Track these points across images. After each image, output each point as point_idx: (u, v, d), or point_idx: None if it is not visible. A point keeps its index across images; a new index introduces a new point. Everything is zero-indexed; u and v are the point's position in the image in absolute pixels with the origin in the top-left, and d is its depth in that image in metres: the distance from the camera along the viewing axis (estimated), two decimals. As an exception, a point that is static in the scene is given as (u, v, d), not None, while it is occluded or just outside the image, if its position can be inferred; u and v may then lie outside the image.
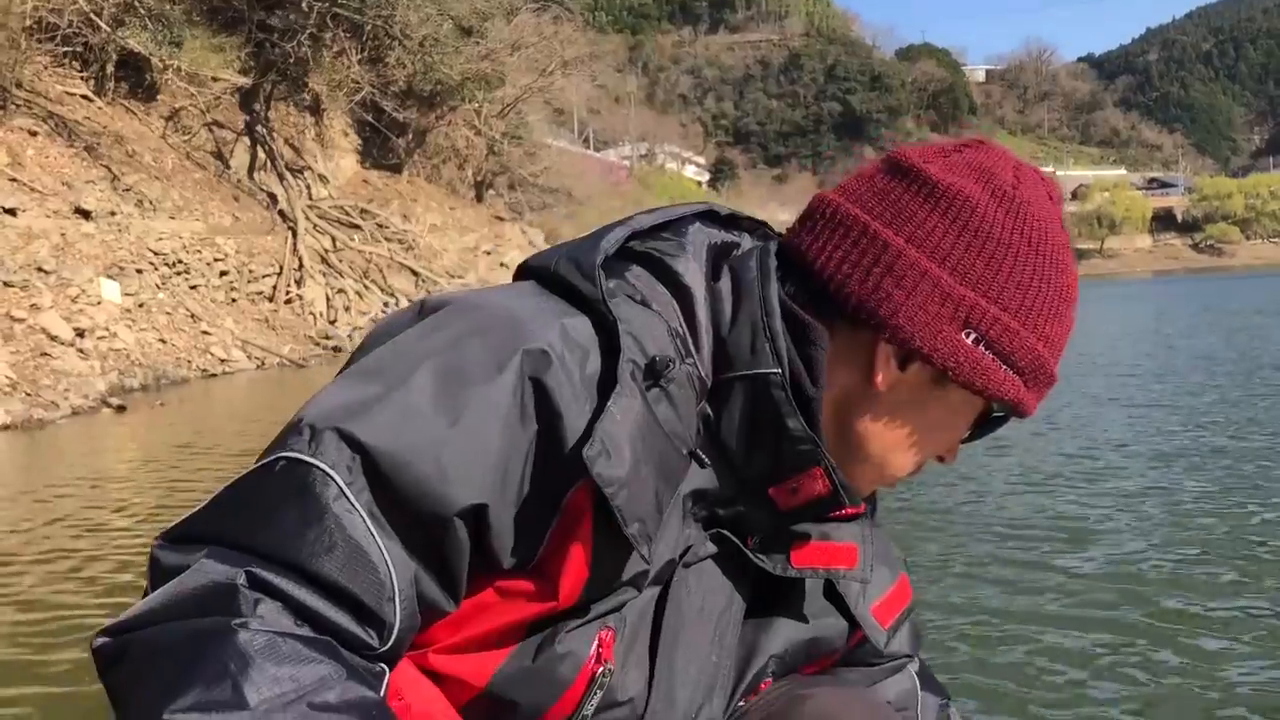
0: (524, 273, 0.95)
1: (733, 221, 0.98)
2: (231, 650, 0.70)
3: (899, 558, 1.12)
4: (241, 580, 0.74)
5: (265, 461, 0.82)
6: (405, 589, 0.80)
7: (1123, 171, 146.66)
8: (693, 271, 0.91)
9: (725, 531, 0.96)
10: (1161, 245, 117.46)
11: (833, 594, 1.04)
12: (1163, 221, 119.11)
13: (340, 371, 0.89)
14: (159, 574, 0.78)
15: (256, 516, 0.78)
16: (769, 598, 1.02)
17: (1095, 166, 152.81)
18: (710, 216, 0.97)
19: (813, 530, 0.99)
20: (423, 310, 0.90)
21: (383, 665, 0.80)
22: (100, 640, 0.76)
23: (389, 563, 0.79)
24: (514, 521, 0.83)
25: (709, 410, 0.90)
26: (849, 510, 0.99)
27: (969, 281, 0.88)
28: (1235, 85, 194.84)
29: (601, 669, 0.90)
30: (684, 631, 0.94)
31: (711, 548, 0.95)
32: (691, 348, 0.89)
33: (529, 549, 0.84)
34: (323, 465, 0.79)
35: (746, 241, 0.98)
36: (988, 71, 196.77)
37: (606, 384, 0.83)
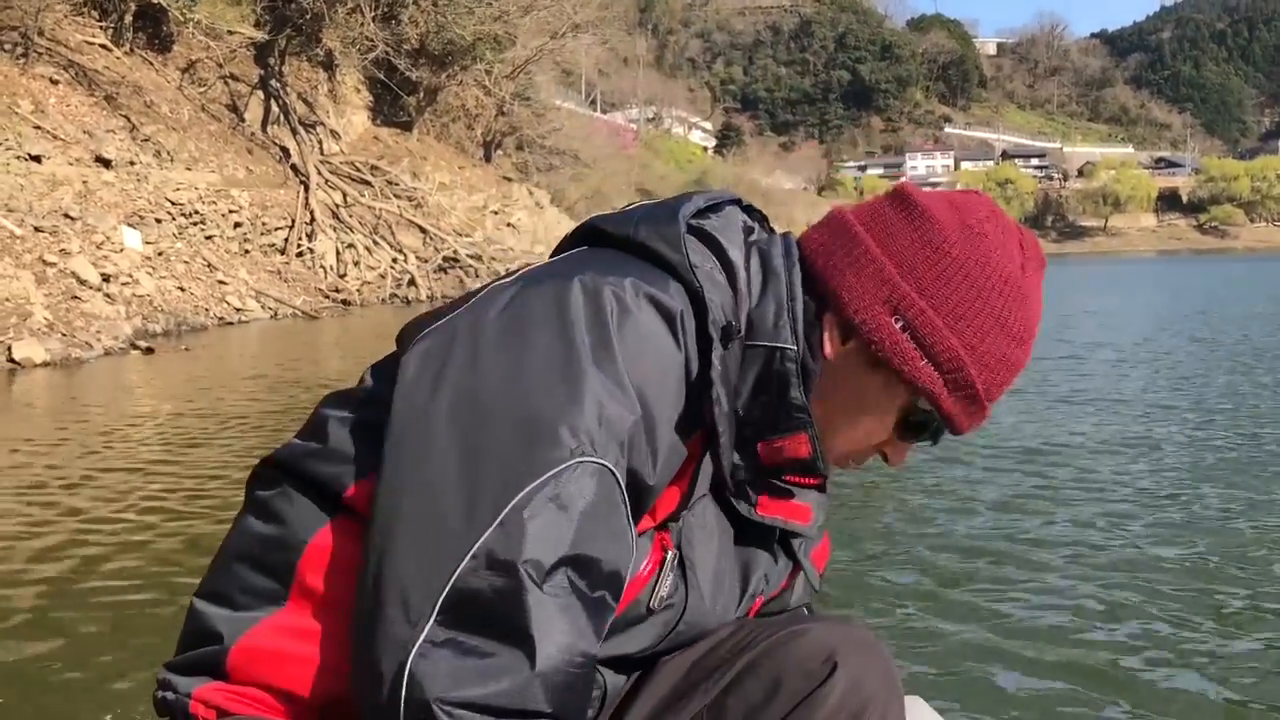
0: (593, 233, 1.07)
1: (750, 210, 1.14)
2: None
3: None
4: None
5: (565, 466, 0.86)
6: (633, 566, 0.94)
7: (1130, 150, 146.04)
8: (737, 251, 1.04)
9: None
10: (1166, 225, 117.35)
11: (783, 541, 1.20)
12: (1168, 201, 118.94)
13: (479, 333, 0.93)
14: (521, 596, 0.82)
15: (581, 524, 0.85)
16: (742, 535, 1.16)
17: (1103, 144, 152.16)
18: (736, 203, 1.12)
19: (779, 488, 1.13)
20: (526, 295, 0.96)
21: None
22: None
23: (634, 547, 0.93)
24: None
25: None
26: (813, 480, 1.12)
27: (910, 278, 1.00)
28: (1248, 66, 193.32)
29: (670, 552, 1.06)
30: (699, 543, 1.09)
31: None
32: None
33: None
34: (609, 465, 0.88)
35: (758, 230, 1.12)
36: (999, 44, 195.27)
37: (701, 339, 0.97)
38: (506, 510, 0.83)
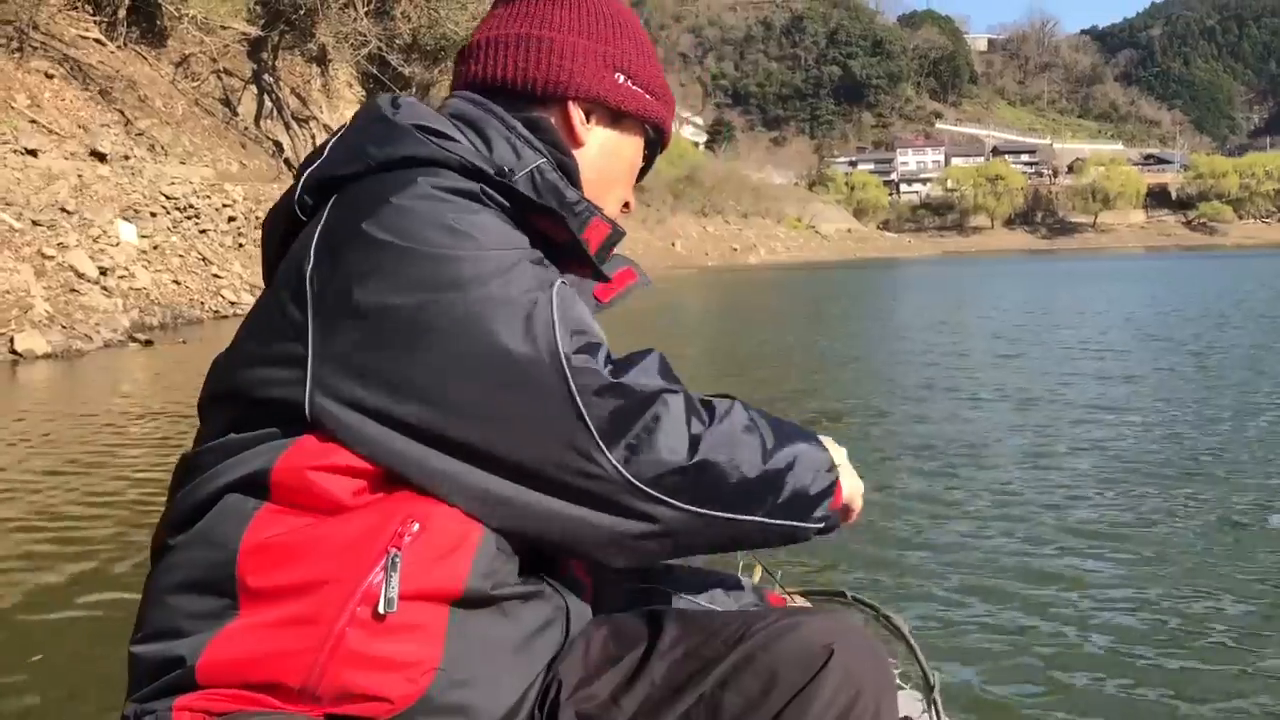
0: (331, 184, 1.08)
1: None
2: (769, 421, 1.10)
3: None
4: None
5: (551, 305, 1.01)
6: None
7: (1120, 146, 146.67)
8: (442, 124, 1.11)
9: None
10: (1155, 222, 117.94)
11: None
12: (1157, 198, 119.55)
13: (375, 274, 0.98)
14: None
15: (590, 322, 1.05)
16: None
17: (1092, 140, 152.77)
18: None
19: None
20: (360, 237, 1.01)
21: None
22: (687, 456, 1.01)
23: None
24: None
25: None
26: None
27: (602, 40, 1.20)
28: (1237, 63, 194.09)
29: None
30: None
31: None
32: None
33: None
34: (558, 280, 1.04)
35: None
36: (990, 41, 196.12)
37: (502, 194, 1.08)
38: (563, 361, 0.98)
